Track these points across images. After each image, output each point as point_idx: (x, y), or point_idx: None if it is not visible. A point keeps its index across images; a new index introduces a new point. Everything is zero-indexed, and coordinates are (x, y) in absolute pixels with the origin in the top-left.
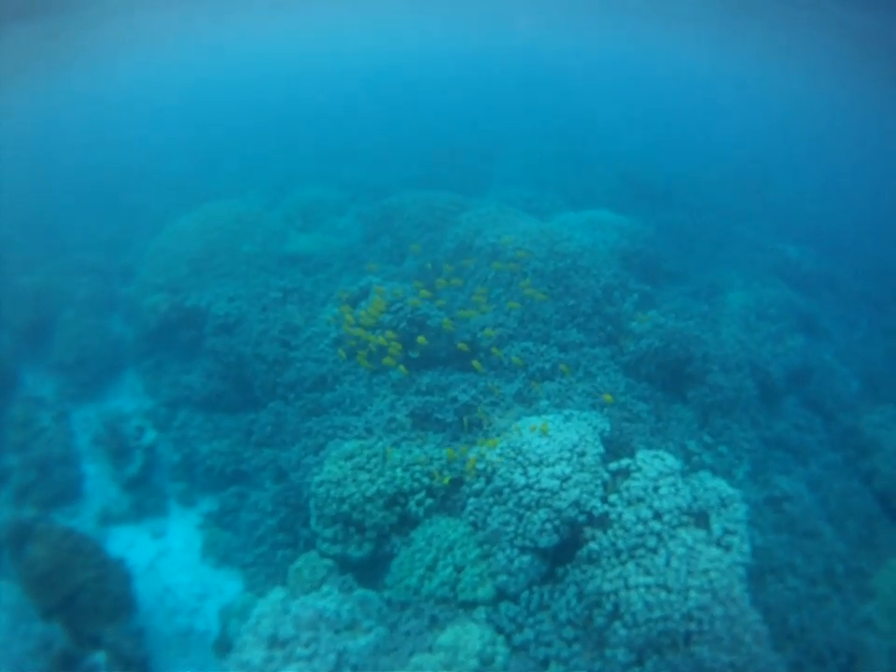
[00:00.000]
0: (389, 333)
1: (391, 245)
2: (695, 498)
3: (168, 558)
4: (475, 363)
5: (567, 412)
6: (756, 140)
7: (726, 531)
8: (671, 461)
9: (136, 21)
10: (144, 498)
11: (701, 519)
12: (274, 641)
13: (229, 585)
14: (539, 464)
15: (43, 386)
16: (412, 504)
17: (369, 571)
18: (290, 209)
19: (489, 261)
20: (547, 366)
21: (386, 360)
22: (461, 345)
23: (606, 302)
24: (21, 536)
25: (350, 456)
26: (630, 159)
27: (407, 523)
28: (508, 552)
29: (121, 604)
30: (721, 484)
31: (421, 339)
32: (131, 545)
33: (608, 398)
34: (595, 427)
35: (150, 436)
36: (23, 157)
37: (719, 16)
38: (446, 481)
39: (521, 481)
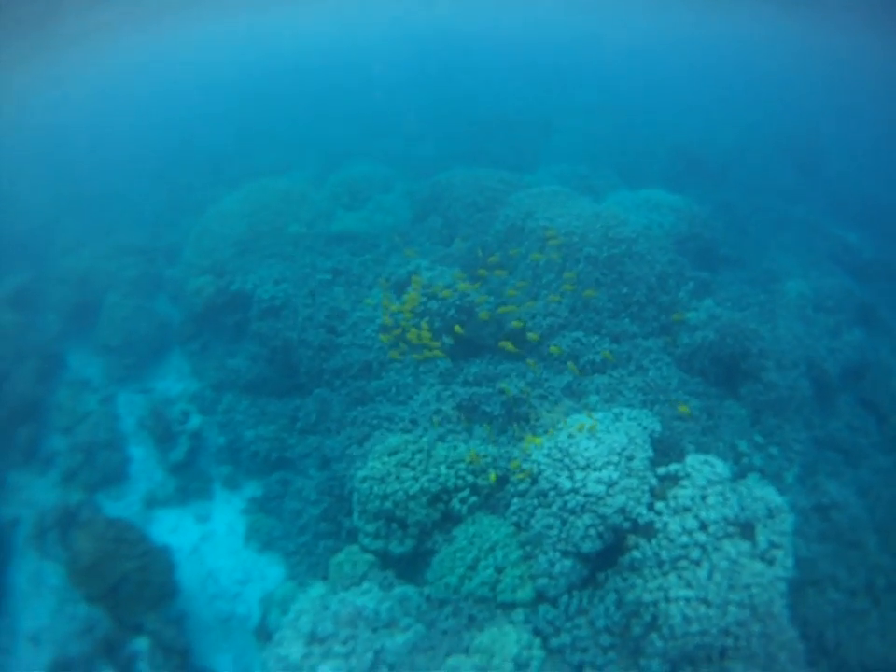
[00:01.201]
0: (424, 324)
1: (440, 225)
2: (743, 508)
3: (211, 542)
4: (506, 343)
5: (616, 409)
6: (813, 114)
7: (771, 544)
8: (721, 468)
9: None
10: (188, 482)
11: (747, 530)
12: (313, 637)
13: (271, 571)
14: (585, 467)
15: (89, 368)
16: (455, 502)
17: (410, 565)
18: (337, 186)
19: (541, 246)
20: (598, 358)
21: (417, 356)
22: (504, 343)
23: (660, 290)
24: (67, 520)
25: (394, 452)
26: (684, 133)
27: (450, 519)
28: (550, 555)
29: (164, 592)
30: (770, 493)
31: (458, 328)
32: (175, 529)
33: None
34: (645, 428)
35: (195, 421)
36: (69, 138)
37: None
38: (493, 478)
39: (567, 484)
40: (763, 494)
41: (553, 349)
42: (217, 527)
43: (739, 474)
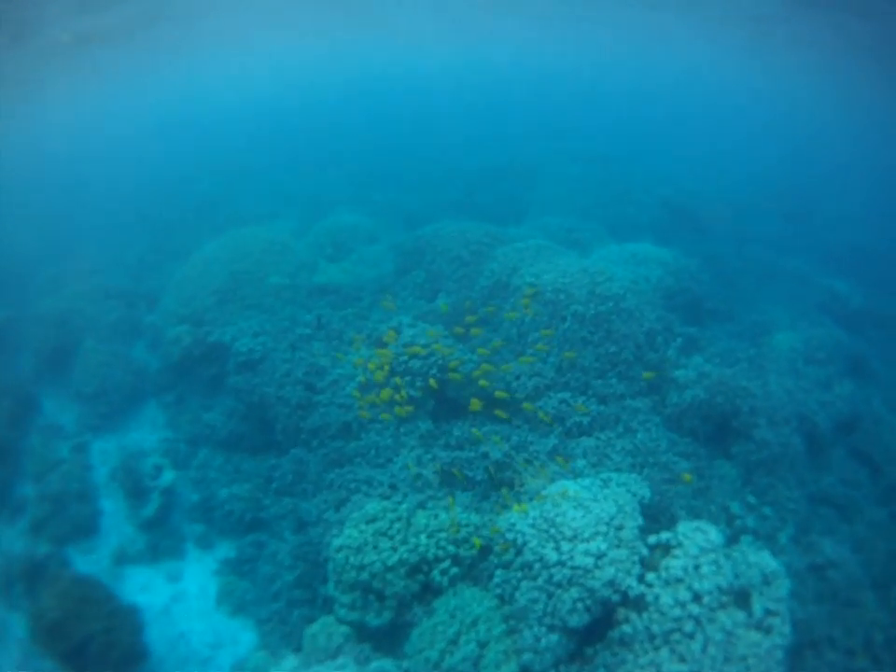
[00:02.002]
0: (398, 380)
1: (423, 279)
2: (737, 576)
3: (183, 603)
4: (475, 402)
5: (604, 474)
6: (800, 163)
7: (768, 612)
8: (714, 535)
9: (167, 40)
10: (160, 539)
11: (742, 598)
12: None
13: (243, 636)
14: (573, 538)
15: (63, 415)
16: (436, 573)
17: (388, 636)
18: (321, 236)
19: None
20: (585, 420)
21: (385, 416)
22: (474, 402)
23: (648, 348)
24: (34, 572)
25: (372, 520)
26: (671, 183)
27: (430, 591)
28: (535, 630)
29: (131, 655)
30: (765, 558)
31: (432, 382)
32: (145, 587)
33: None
34: (634, 495)
35: (168, 476)
36: (54, 176)
37: (763, 32)
38: (477, 545)
39: (553, 557)
40: (758, 559)
41: (526, 406)
42: (189, 588)
43: (732, 537)
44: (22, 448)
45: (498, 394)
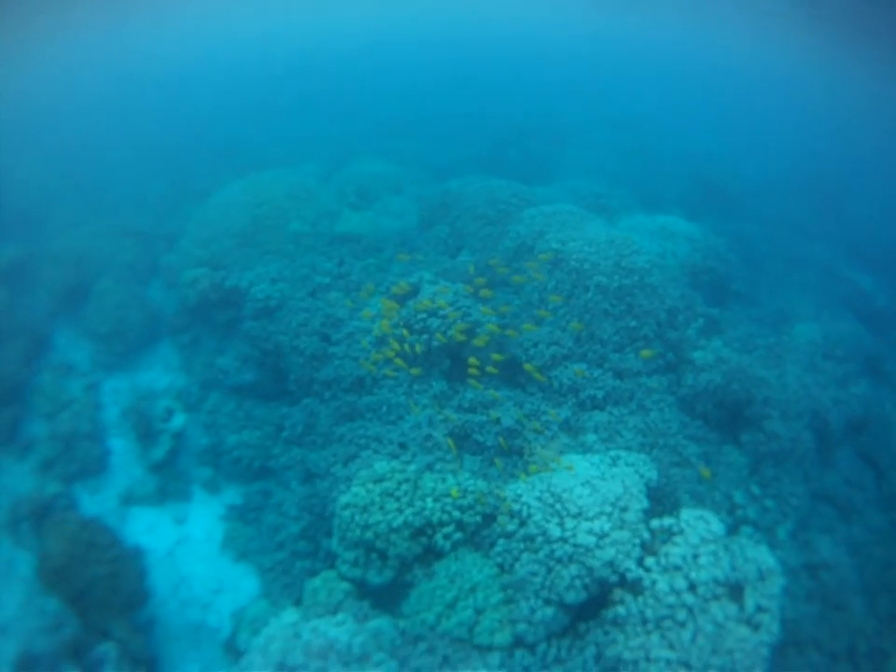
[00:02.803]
0: (405, 332)
1: (447, 235)
2: (734, 569)
3: (187, 546)
4: (473, 360)
5: (613, 452)
6: (839, 152)
7: (759, 608)
8: (716, 525)
9: None
10: (168, 482)
11: (736, 591)
12: (282, 667)
13: (245, 583)
14: (577, 516)
15: (76, 352)
16: (439, 537)
17: (387, 593)
18: (345, 184)
19: (550, 269)
20: (599, 394)
21: (389, 372)
22: (472, 361)
23: (669, 326)
24: (41, 512)
25: (380, 480)
26: (705, 158)
27: (432, 553)
28: (532, 602)
29: (134, 601)
30: (763, 554)
31: (440, 336)
32: (151, 529)
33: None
34: (641, 476)
35: (179, 420)
36: (78, 112)
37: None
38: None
39: (556, 532)
40: (756, 554)
41: (526, 367)
42: (194, 531)
43: (733, 527)
44: (35, 386)
45: (495, 356)
